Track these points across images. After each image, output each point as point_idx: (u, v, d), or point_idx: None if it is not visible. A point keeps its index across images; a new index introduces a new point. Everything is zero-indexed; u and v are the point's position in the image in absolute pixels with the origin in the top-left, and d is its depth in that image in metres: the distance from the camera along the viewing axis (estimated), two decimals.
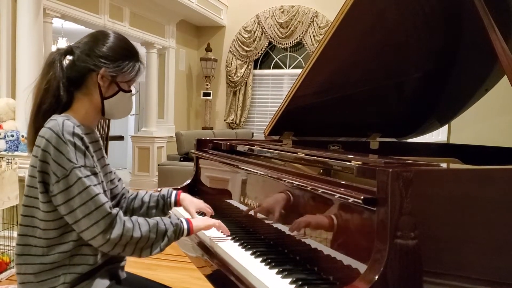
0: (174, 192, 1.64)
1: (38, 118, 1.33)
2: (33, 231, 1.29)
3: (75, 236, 1.27)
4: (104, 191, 1.34)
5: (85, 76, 1.35)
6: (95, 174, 1.28)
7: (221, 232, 1.50)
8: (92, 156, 1.31)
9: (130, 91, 1.42)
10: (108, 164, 1.51)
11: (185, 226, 1.38)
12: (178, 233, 1.36)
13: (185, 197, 1.64)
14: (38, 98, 1.35)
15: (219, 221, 1.49)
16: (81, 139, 1.27)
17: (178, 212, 1.90)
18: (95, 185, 1.25)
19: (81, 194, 1.22)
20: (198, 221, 1.43)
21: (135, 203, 1.59)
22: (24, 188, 1.32)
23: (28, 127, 1.36)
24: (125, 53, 1.38)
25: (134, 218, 1.31)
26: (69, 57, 1.37)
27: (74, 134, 1.25)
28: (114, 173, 1.56)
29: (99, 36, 1.38)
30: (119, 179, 1.59)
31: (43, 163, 1.24)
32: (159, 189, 1.70)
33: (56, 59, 1.34)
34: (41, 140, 1.25)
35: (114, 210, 1.26)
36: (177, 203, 1.63)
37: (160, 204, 1.61)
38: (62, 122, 1.25)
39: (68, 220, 1.25)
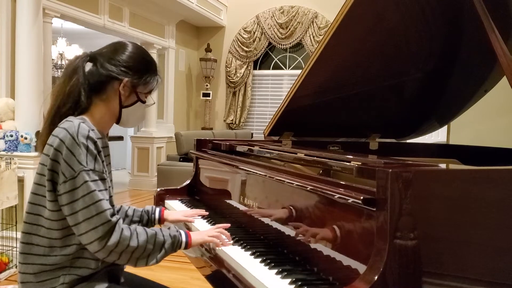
0: (158, 208, 1.66)
1: (55, 120, 1.34)
2: (37, 229, 1.30)
3: (78, 239, 1.27)
4: (110, 197, 1.35)
5: (106, 83, 1.37)
6: (103, 179, 1.29)
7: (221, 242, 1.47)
8: (103, 161, 1.32)
9: (145, 101, 1.45)
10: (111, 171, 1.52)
11: (184, 239, 1.38)
12: (175, 245, 1.36)
13: (169, 214, 1.67)
14: (58, 101, 1.36)
15: (220, 229, 1.47)
16: (95, 143, 1.28)
17: (173, 208, 1.93)
18: (100, 191, 1.26)
19: (85, 197, 1.23)
20: (197, 236, 1.43)
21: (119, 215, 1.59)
22: (32, 186, 1.32)
23: (44, 128, 1.37)
24: (147, 65, 1.42)
25: (133, 226, 1.31)
26: (89, 64, 1.38)
27: (88, 138, 1.26)
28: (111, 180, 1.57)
29: (121, 46, 1.41)
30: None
31: (54, 162, 1.25)
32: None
33: (79, 65, 1.36)
34: (54, 139, 1.26)
35: (114, 218, 1.26)
36: (161, 220, 1.66)
37: (144, 220, 1.64)
38: (78, 124, 1.26)
39: (69, 221, 1.25)
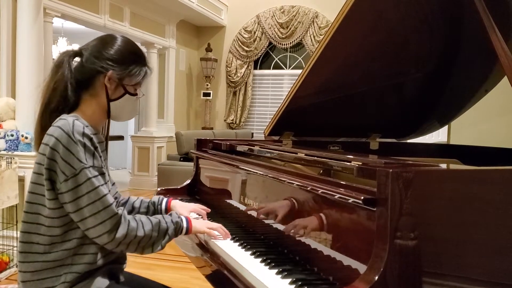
0: (165, 199, 1.69)
1: (45, 116, 1.35)
2: (37, 228, 1.30)
3: (79, 233, 1.29)
4: (109, 190, 1.36)
5: (92, 78, 1.37)
6: (102, 174, 1.31)
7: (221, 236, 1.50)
8: (100, 157, 1.33)
9: (136, 94, 1.45)
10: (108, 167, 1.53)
11: (185, 224, 1.43)
12: (177, 230, 1.40)
13: (175, 203, 1.68)
14: (46, 98, 1.37)
15: (219, 225, 1.50)
16: (90, 139, 1.29)
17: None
18: (102, 185, 1.28)
19: (90, 193, 1.24)
20: (198, 223, 1.47)
21: (125, 207, 1.61)
22: (29, 185, 1.33)
23: (35, 126, 1.39)
24: (133, 57, 1.41)
25: (137, 217, 1.34)
26: (77, 59, 1.39)
27: (84, 135, 1.27)
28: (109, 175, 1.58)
29: (107, 39, 1.41)
30: (113, 183, 1.60)
31: (51, 161, 1.25)
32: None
33: (64, 60, 1.37)
34: (50, 138, 1.26)
35: (120, 211, 1.29)
36: (168, 210, 1.67)
37: (151, 211, 1.65)
38: (72, 122, 1.27)
39: (74, 218, 1.26)
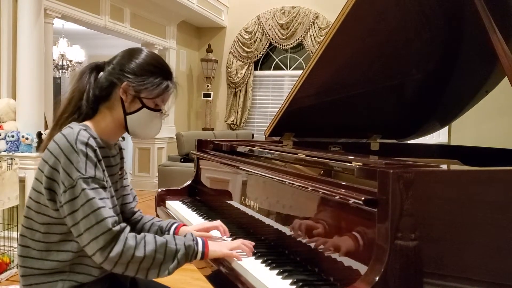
0: (175, 224, 1.52)
1: (57, 126, 1.32)
2: (33, 234, 1.29)
3: (75, 247, 1.25)
4: (115, 206, 1.32)
5: (110, 90, 1.33)
6: (103, 187, 1.24)
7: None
8: (104, 170, 1.27)
9: (158, 110, 1.38)
10: (126, 179, 1.49)
11: (200, 248, 1.27)
12: (191, 255, 1.26)
13: (183, 230, 1.51)
14: (63, 107, 1.35)
15: (241, 241, 1.35)
16: (94, 151, 1.24)
17: (173, 208, 1.94)
18: (101, 199, 1.20)
19: (84, 206, 1.18)
20: (216, 246, 1.30)
21: (136, 228, 1.53)
22: (30, 190, 1.31)
23: (48, 134, 1.35)
24: (152, 69, 1.34)
25: (141, 235, 1.24)
26: (101, 73, 1.36)
27: (87, 145, 1.22)
28: (131, 189, 1.54)
29: (131, 52, 1.37)
30: (134, 197, 1.55)
31: (53, 170, 1.21)
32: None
33: (85, 71, 1.35)
34: (55, 146, 1.23)
35: (117, 227, 1.19)
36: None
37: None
38: (77, 132, 1.23)
39: (73, 232, 1.21)
